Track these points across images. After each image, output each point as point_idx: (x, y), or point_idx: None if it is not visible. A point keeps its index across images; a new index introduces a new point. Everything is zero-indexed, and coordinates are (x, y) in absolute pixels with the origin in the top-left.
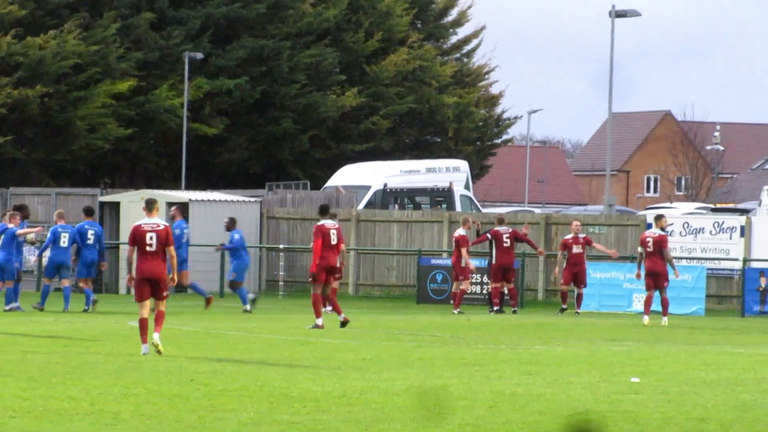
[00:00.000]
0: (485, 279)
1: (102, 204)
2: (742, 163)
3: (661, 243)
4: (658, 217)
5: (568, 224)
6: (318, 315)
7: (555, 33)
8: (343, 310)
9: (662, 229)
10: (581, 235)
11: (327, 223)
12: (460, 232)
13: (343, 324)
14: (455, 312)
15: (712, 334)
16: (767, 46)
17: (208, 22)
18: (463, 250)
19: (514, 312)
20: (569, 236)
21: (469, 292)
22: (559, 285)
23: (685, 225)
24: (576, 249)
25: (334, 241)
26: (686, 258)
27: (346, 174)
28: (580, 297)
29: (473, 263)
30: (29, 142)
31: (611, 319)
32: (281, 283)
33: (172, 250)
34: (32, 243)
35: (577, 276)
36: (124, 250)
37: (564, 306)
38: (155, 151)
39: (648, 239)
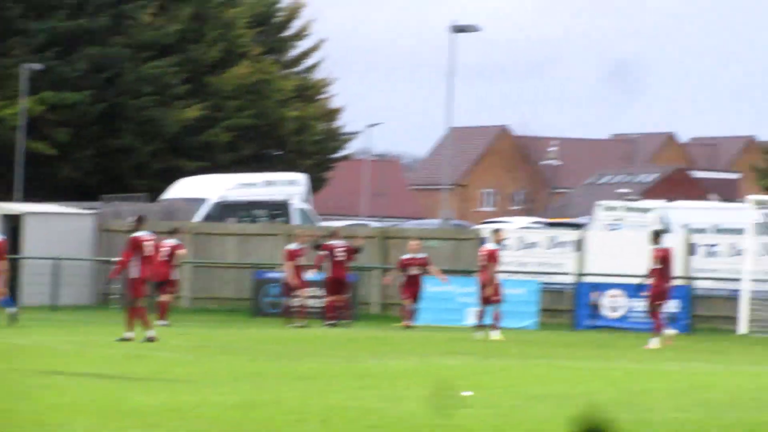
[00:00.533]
0: (320, 292)
1: None
2: (577, 178)
3: (490, 257)
4: (495, 231)
5: (404, 238)
6: (129, 328)
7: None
8: (155, 325)
9: (498, 242)
10: (420, 255)
11: (143, 235)
12: (292, 246)
13: (149, 340)
14: (295, 326)
15: (544, 348)
16: (602, 62)
17: (52, 36)
18: (289, 263)
19: (333, 325)
20: (407, 256)
21: (305, 305)
22: (401, 299)
23: (520, 239)
24: (413, 270)
25: (150, 253)
26: (520, 272)
27: (183, 187)
28: (412, 311)
29: (308, 276)
30: None
31: (445, 333)
32: (114, 296)
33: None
34: None
35: (413, 294)
36: None
37: (407, 323)
38: None
39: (481, 253)
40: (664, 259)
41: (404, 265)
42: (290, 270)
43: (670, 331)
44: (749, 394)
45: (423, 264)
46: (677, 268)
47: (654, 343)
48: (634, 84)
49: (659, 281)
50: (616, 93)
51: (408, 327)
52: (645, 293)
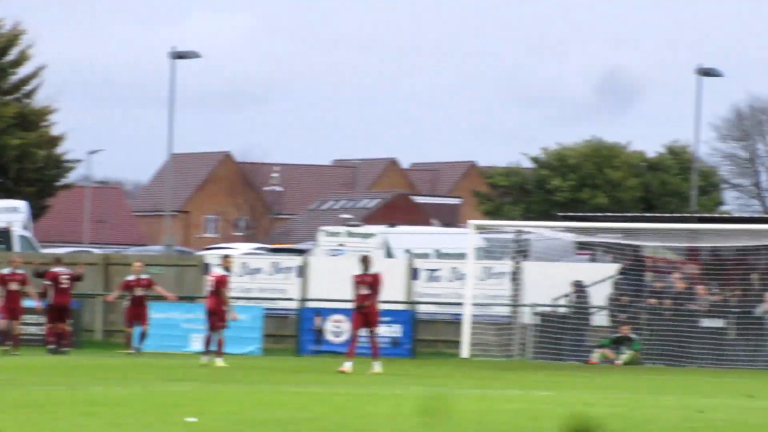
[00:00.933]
0: (41, 319)
1: None
2: (300, 204)
3: (219, 283)
4: (225, 257)
5: (127, 264)
6: None
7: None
8: None
9: (227, 269)
10: (143, 276)
11: None
12: (5, 270)
13: None
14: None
15: (268, 374)
16: (324, 90)
17: None
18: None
19: (55, 352)
20: (131, 277)
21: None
22: (124, 326)
23: (244, 265)
24: (138, 291)
25: None
26: (244, 298)
27: None
28: (142, 333)
29: (30, 302)
30: None
31: (170, 359)
32: None
33: None
34: None
35: (138, 316)
36: None
37: (130, 350)
38: None
39: (210, 279)
40: (373, 284)
41: (128, 287)
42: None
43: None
44: (467, 416)
45: (148, 285)
46: (400, 293)
47: (377, 367)
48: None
49: (373, 305)
50: (337, 120)
51: (131, 354)
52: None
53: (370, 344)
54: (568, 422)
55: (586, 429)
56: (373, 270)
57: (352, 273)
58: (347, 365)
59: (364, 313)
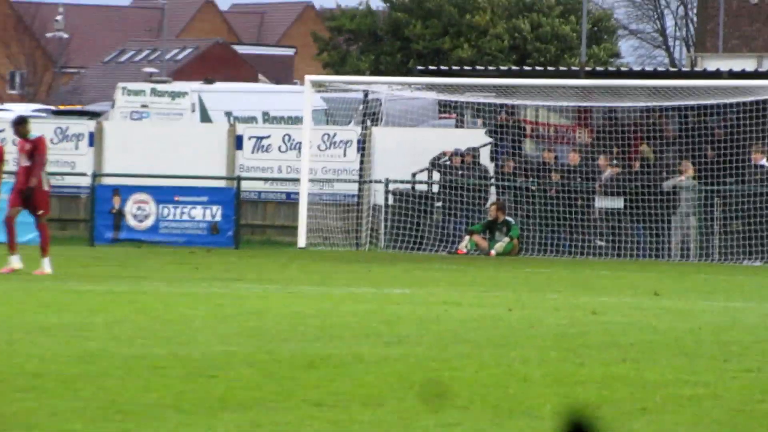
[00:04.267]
0: None
1: None
2: (92, 55)
3: None
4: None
5: None
6: None
7: None
8: None
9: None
10: None
11: None
12: None
13: None
14: None
15: (57, 268)
16: None
17: None
18: None
19: None
20: None
21: None
22: None
23: None
24: None
25: None
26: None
27: None
28: None
29: None
30: None
31: None
32: None
33: None
34: None
35: None
36: None
37: None
38: None
39: None
40: (33, 152)
41: None
42: None
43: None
44: (308, 321)
45: None
46: (219, 166)
47: (46, 266)
48: None
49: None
50: None
51: None
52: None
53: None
54: (564, 417)
55: (582, 424)
56: (33, 134)
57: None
58: (14, 261)
59: (23, 192)
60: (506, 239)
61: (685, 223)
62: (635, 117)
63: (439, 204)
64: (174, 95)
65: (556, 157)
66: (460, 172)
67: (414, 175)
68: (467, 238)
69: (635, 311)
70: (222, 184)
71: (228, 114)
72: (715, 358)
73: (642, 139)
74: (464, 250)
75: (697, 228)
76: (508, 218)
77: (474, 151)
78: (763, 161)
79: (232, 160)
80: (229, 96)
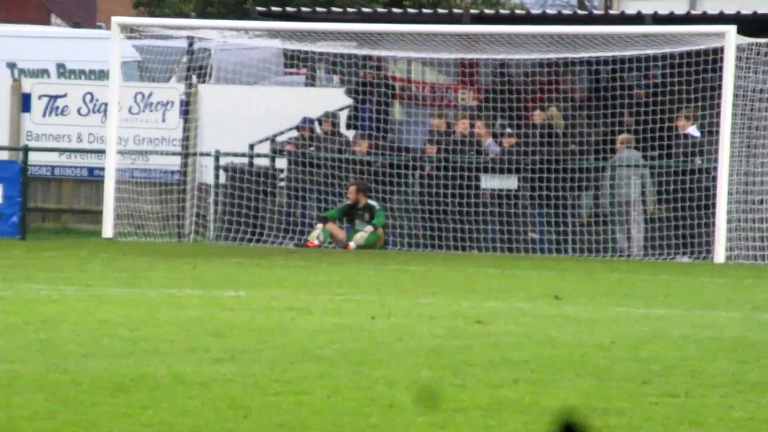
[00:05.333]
0: None
1: None
2: None
3: None
4: None
5: None
6: None
7: None
8: None
9: None
10: None
11: None
12: None
13: None
14: None
15: None
16: None
17: None
18: None
19: None
20: None
21: None
22: None
23: None
24: None
25: None
26: None
27: None
28: None
29: None
30: None
31: None
32: None
33: None
34: None
35: None
36: None
37: None
38: None
39: None
40: None
41: None
42: None
43: None
44: (116, 332)
45: None
46: (1, 133)
47: None
48: None
49: None
50: None
51: None
52: None
53: None
54: (558, 419)
55: (576, 425)
56: None
57: None
58: None
59: None
60: (369, 228)
61: (600, 209)
62: (533, 73)
63: (284, 184)
64: None
65: (449, 125)
66: (311, 145)
67: (252, 146)
68: (320, 226)
69: (531, 320)
70: (4, 156)
71: (11, 66)
72: (632, 379)
73: (544, 101)
74: (316, 242)
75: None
76: (372, 202)
77: (332, 117)
78: (693, 129)
79: (17, 125)
80: (12, 42)
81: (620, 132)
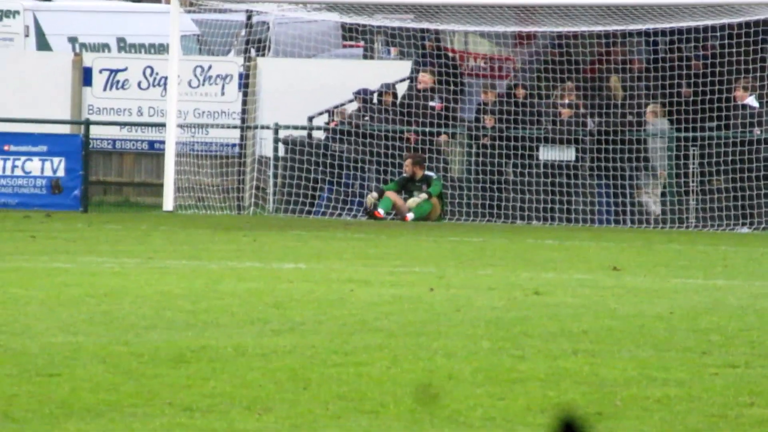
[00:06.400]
0: None
1: None
2: None
3: None
4: None
5: None
6: None
7: None
8: None
9: None
10: None
11: None
12: None
13: None
14: None
15: None
16: None
17: None
18: None
19: None
20: None
21: None
22: None
23: None
24: None
25: None
26: None
27: None
28: None
29: None
30: None
31: None
32: None
33: None
34: None
35: None
36: None
37: None
38: None
39: None
40: None
41: None
42: None
43: None
44: (176, 304)
45: None
46: (62, 107)
47: None
48: None
49: None
50: None
51: None
52: None
53: None
54: (557, 417)
55: (575, 424)
56: None
57: None
58: None
59: None
60: (423, 195)
61: (655, 180)
62: (590, 44)
63: (344, 155)
64: (1, 15)
65: (499, 95)
66: (367, 117)
67: (311, 119)
68: (375, 194)
69: (589, 291)
70: (66, 130)
71: (72, 40)
72: (691, 350)
73: (602, 72)
74: (382, 213)
75: (668, 186)
76: (429, 173)
77: (393, 89)
78: (751, 100)
79: (79, 99)
80: (73, 16)
81: (677, 104)
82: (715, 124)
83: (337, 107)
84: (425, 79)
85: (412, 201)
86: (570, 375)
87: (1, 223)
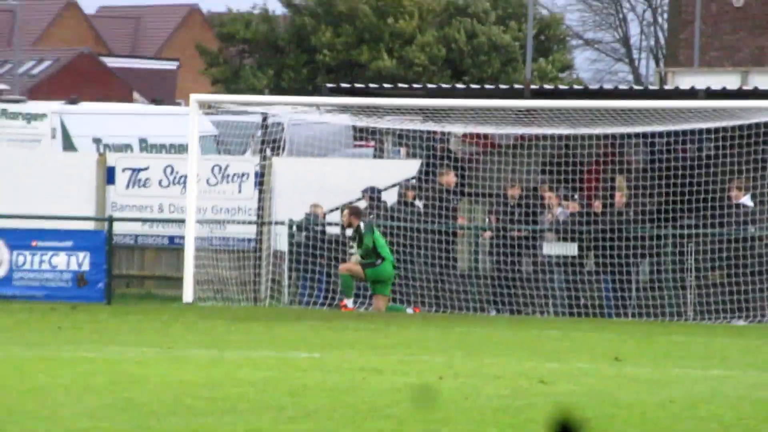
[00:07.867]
0: None
1: None
2: None
3: None
4: None
5: None
6: None
7: None
8: None
9: None
10: None
11: None
12: None
13: None
14: None
15: None
16: None
17: None
18: None
19: None
20: None
21: None
22: None
23: None
24: None
25: None
26: None
27: None
28: None
29: None
30: None
31: None
32: None
33: None
34: None
35: None
36: None
37: None
38: None
39: None
40: None
41: None
42: None
43: None
44: (196, 391)
45: None
46: (87, 204)
47: None
48: None
49: None
50: None
51: None
52: None
53: None
54: (554, 418)
55: (571, 425)
56: None
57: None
58: None
59: None
60: (356, 257)
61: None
62: (590, 145)
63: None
64: (30, 117)
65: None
66: (373, 213)
67: (324, 215)
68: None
69: (592, 380)
70: (90, 226)
71: (97, 141)
72: None
73: (608, 171)
74: (350, 306)
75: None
76: (362, 222)
77: (413, 189)
78: (746, 199)
79: (103, 196)
80: (97, 119)
81: (676, 202)
82: (711, 221)
83: (348, 204)
84: (449, 179)
85: (354, 258)
86: None
87: (28, 315)
